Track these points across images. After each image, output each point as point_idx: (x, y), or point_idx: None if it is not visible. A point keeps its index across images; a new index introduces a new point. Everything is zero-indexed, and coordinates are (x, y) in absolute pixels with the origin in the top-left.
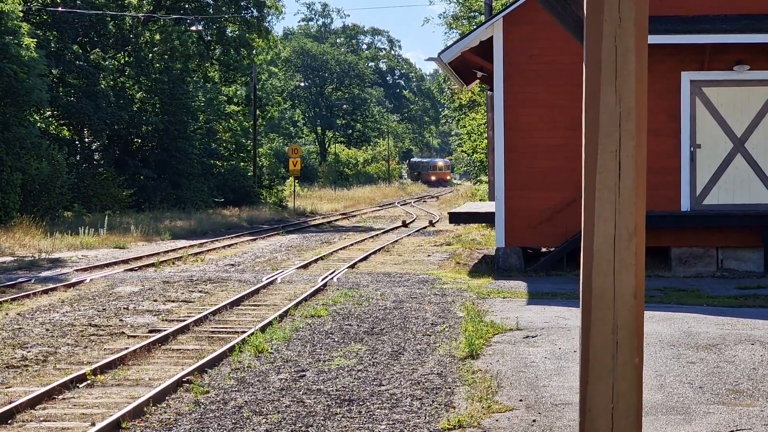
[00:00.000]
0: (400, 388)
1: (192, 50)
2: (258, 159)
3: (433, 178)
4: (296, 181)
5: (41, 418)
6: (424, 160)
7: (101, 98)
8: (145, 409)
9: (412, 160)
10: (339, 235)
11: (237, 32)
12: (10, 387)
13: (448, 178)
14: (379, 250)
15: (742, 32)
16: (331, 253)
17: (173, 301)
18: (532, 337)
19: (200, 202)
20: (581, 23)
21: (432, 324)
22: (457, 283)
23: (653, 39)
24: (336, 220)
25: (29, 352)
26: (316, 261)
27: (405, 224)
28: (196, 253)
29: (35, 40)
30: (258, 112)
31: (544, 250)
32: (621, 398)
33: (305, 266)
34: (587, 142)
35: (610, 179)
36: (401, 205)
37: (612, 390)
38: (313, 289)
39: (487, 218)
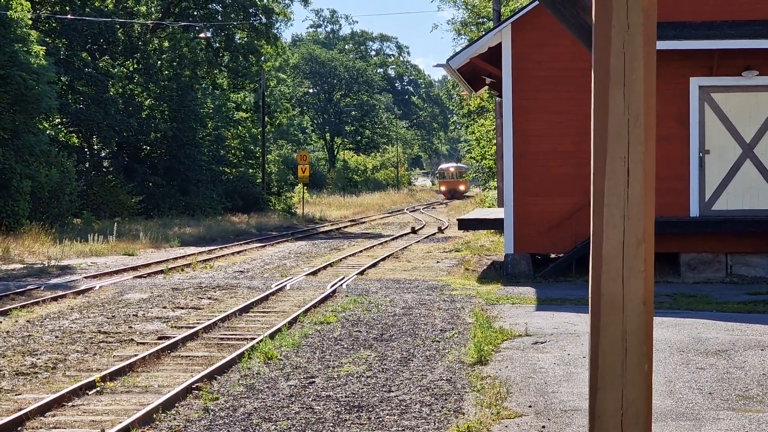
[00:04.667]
0: (409, 395)
1: (200, 57)
2: (267, 166)
3: (443, 188)
4: (305, 187)
5: (51, 425)
6: (443, 166)
7: (110, 105)
8: (155, 416)
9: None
10: (348, 241)
11: (245, 39)
12: (19, 394)
13: (462, 188)
14: (388, 256)
15: (750, 38)
16: (340, 260)
17: (182, 308)
18: (541, 343)
19: (209, 208)
20: (590, 29)
21: (441, 330)
22: (466, 289)
23: (661, 45)
24: (345, 227)
25: (39, 359)
26: (325, 268)
27: (414, 231)
28: (205, 260)
29: (44, 47)
30: (266, 118)
31: (552, 256)
32: (630, 404)
33: (314, 273)
34: (596, 148)
35: (619, 185)
36: (410, 211)
37: (621, 396)
38: (323, 295)
39: (495, 225)
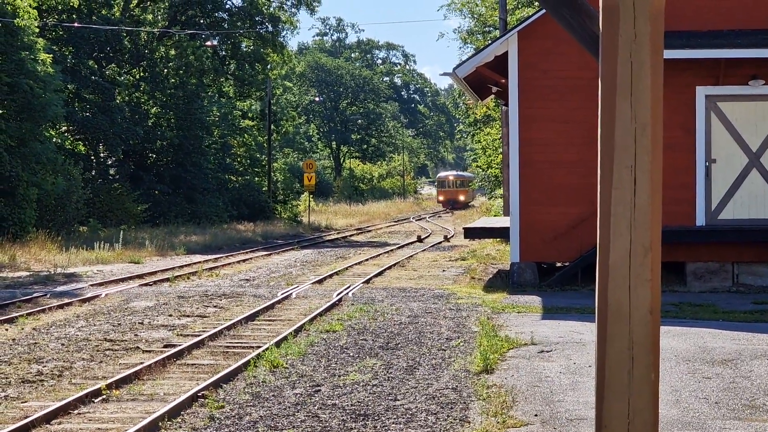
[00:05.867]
0: (415, 403)
1: (207, 65)
2: (273, 174)
3: (441, 198)
4: (311, 196)
5: None
6: (441, 174)
7: (116, 113)
8: (160, 424)
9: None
10: (354, 250)
11: (252, 47)
12: (25, 401)
13: (463, 198)
14: (394, 265)
15: (757, 47)
16: (346, 269)
17: (188, 316)
18: (547, 351)
19: (215, 217)
20: (597, 38)
21: (447, 339)
22: (472, 297)
23: (668, 54)
24: (351, 236)
25: (45, 366)
26: (331, 276)
27: (420, 239)
28: (210, 268)
29: (51, 55)
30: (273, 126)
31: (558, 265)
32: (637, 414)
33: (320, 281)
34: (603, 157)
35: (625, 194)
36: (416, 220)
37: (628, 406)
38: (328, 304)
39: (502, 233)
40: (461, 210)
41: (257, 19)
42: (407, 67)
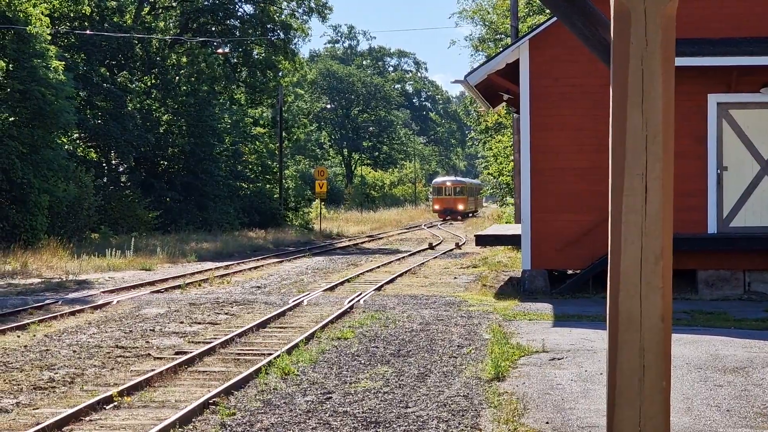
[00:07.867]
0: (426, 411)
1: (218, 72)
2: (284, 181)
3: (436, 206)
4: (322, 203)
5: None
6: (437, 180)
7: (128, 120)
8: (172, 431)
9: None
10: (365, 257)
11: (263, 54)
12: (37, 408)
13: (462, 207)
14: (405, 272)
15: None
16: (358, 276)
17: (199, 323)
18: (558, 359)
19: (226, 224)
20: (608, 46)
21: (458, 346)
22: (483, 305)
23: (679, 61)
24: (362, 243)
25: (56, 373)
26: (342, 283)
27: (431, 247)
28: (222, 275)
29: (63, 62)
30: (284, 134)
31: (570, 272)
32: (648, 422)
33: (331, 288)
34: (614, 164)
35: (636, 202)
36: (428, 227)
37: (639, 413)
38: (340, 311)
39: (513, 241)
40: (457, 221)
41: (269, 26)
42: (419, 74)
